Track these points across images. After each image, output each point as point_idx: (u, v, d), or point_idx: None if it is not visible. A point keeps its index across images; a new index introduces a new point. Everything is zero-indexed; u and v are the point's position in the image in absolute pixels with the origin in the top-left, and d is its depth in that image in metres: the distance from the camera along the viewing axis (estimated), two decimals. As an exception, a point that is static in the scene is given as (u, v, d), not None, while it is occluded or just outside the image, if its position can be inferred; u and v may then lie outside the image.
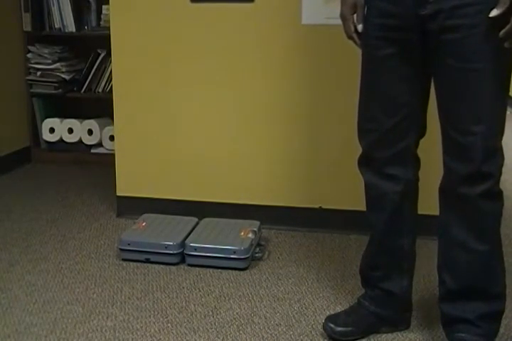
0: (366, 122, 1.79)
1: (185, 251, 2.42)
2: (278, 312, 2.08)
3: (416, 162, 1.83)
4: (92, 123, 3.79)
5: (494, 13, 1.49)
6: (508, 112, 1.67)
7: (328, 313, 2.01)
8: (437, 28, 1.57)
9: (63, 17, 3.73)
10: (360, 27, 1.73)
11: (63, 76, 3.78)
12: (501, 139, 1.65)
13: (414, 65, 1.68)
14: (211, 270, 2.39)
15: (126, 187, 2.91)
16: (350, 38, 1.77)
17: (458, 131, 1.63)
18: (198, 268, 2.40)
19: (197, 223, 2.63)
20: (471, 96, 1.59)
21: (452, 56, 1.58)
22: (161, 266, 2.42)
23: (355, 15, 1.74)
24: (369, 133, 1.79)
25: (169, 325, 2.00)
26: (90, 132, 3.81)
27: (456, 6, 1.53)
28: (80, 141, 3.83)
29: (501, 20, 1.48)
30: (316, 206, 2.75)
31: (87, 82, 3.83)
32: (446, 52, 1.59)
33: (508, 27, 1.47)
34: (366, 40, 1.73)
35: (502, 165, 1.66)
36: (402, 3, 1.61)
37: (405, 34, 1.64)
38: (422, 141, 1.82)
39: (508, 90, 1.62)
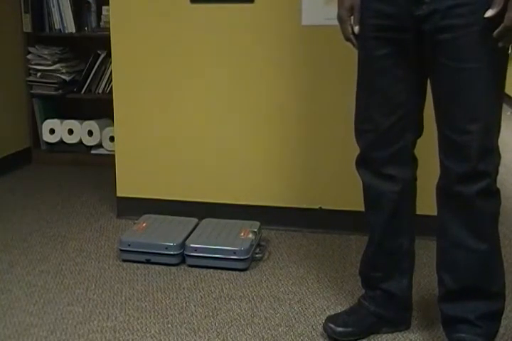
0: (363, 122, 1.79)
1: (185, 252, 2.42)
2: (278, 312, 2.08)
3: (413, 162, 1.84)
4: (92, 124, 3.79)
5: (489, 13, 1.50)
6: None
7: (328, 314, 2.01)
8: (432, 28, 1.58)
9: (63, 18, 3.73)
10: (356, 29, 1.74)
11: (63, 77, 3.78)
12: (497, 138, 1.65)
13: (410, 65, 1.69)
14: (211, 270, 2.39)
15: (126, 188, 2.91)
16: (347, 39, 1.78)
17: (454, 130, 1.63)
18: (198, 269, 2.40)
19: (197, 224, 2.63)
20: (467, 96, 1.59)
21: (447, 56, 1.58)
22: (162, 266, 2.42)
23: (352, 17, 1.75)
24: (366, 133, 1.79)
25: (169, 325, 2.00)
26: (90, 133, 3.81)
27: (451, 6, 1.54)
28: (80, 142, 3.84)
29: (496, 20, 1.49)
30: (316, 206, 2.75)
31: (87, 83, 3.83)
32: (441, 52, 1.59)
33: (501, 27, 1.48)
34: (362, 40, 1.73)
35: (499, 164, 1.66)
36: (398, 3, 1.62)
37: (401, 34, 1.64)
38: (419, 141, 1.82)
39: (503, 89, 1.63)
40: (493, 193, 1.67)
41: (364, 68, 1.76)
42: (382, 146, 1.77)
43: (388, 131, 1.75)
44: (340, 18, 1.76)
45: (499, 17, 1.48)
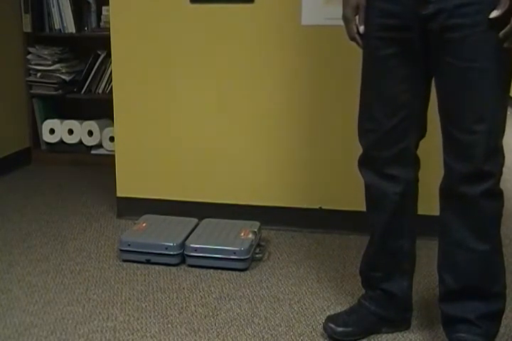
0: (366, 122, 1.79)
1: (185, 252, 2.42)
2: (278, 312, 2.08)
3: (416, 162, 1.83)
4: (92, 125, 3.79)
5: (494, 14, 1.50)
6: (507, 112, 1.67)
7: (328, 314, 2.00)
8: (438, 27, 1.57)
9: (63, 18, 3.73)
10: (362, 28, 1.73)
11: (63, 77, 3.78)
12: (502, 138, 1.65)
13: (415, 65, 1.68)
14: (211, 271, 2.39)
15: (126, 188, 2.91)
16: (352, 39, 1.77)
17: (459, 130, 1.62)
18: (198, 269, 2.40)
19: (197, 224, 2.63)
20: (473, 95, 1.59)
21: (453, 55, 1.58)
22: (162, 266, 2.42)
23: (357, 16, 1.74)
24: (369, 133, 1.78)
25: (169, 325, 2.00)
26: (90, 133, 3.81)
27: (458, 5, 1.53)
28: (80, 142, 3.84)
29: (501, 20, 1.48)
30: (316, 206, 2.75)
31: (87, 83, 3.83)
32: (447, 52, 1.59)
33: (507, 28, 1.48)
34: (367, 40, 1.73)
35: (503, 165, 1.66)
36: (404, 3, 1.61)
37: (406, 34, 1.63)
38: (422, 142, 1.82)
39: (509, 89, 1.62)
40: (496, 194, 1.67)
41: (368, 68, 1.76)
42: (385, 146, 1.76)
43: (391, 132, 1.74)
44: (345, 18, 1.75)
45: (505, 18, 1.47)
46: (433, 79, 1.70)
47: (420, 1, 1.58)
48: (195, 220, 2.65)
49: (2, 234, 2.74)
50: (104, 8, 3.64)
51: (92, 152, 3.86)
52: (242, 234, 2.48)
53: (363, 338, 1.90)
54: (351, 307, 1.98)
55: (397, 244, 1.86)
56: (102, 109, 3.66)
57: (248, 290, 2.24)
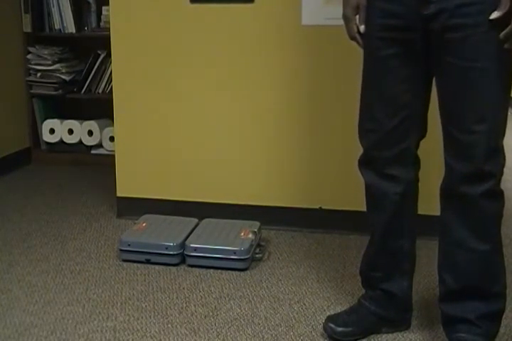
0: (367, 122, 1.79)
1: (185, 252, 2.42)
2: (278, 312, 2.08)
3: (416, 163, 1.83)
4: (92, 124, 3.79)
5: (495, 15, 1.50)
6: (508, 113, 1.67)
7: (328, 313, 2.00)
8: (440, 27, 1.57)
9: (63, 18, 3.73)
10: (362, 28, 1.73)
11: (63, 77, 3.78)
12: (503, 138, 1.65)
13: (416, 65, 1.68)
14: (211, 270, 2.39)
15: (126, 187, 2.91)
16: (352, 38, 1.77)
17: (460, 130, 1.62)
18: (198, 269, 2.40)
19: (197, 224, 2.63)
20: (474, 96, 1.59)
21: (455, 55, 1.58)
22: (161, 266, 2.42)
23: (357, 16, 1.74)
24: (370, 133, 1.78)
25: (169, 325, 2.00)
26: (90, 133, 3.81)
27: (459, 5, 1.53)
28: (80, 142, 3.83)
29: (502, 21, 1.49)
30: (316, 206, 2.75)
31: (87, 83, 3.83)
32: (448, 52, 1.59)
33: (508, 29, 1.48)
34: (368, 40, 1.73)
35: (504, 165, 1.66)
36: (405, 3, 1.61)
37: (408, 34, 1.63)
38: (422, 142, 1.82)
39: (509, 90, 1.62)
40: (497, 194, 1.67)
41: (369, 68, 1.75)
42: (386, 146, 1.76)
43: (392, 132, 1.74)
44: (345, 17, 1.75)
45: (506, 19, 1.47)
46: (434, 79, 1.70)
47: (421, 1, 1.58)
48: (195, 220, 2.65)
49: (2, 234, 2.74)
50: (104, 8, 3.64)
51: (92, 152, 3.86)
52: (242, 234, 2.48)
53: (362, 338, 1.90)
54: (351, 307, 1.98)
55: (397, 244, 1.86)
56: (102, 109, 3.66)
57: (248, 290, 2.24)
